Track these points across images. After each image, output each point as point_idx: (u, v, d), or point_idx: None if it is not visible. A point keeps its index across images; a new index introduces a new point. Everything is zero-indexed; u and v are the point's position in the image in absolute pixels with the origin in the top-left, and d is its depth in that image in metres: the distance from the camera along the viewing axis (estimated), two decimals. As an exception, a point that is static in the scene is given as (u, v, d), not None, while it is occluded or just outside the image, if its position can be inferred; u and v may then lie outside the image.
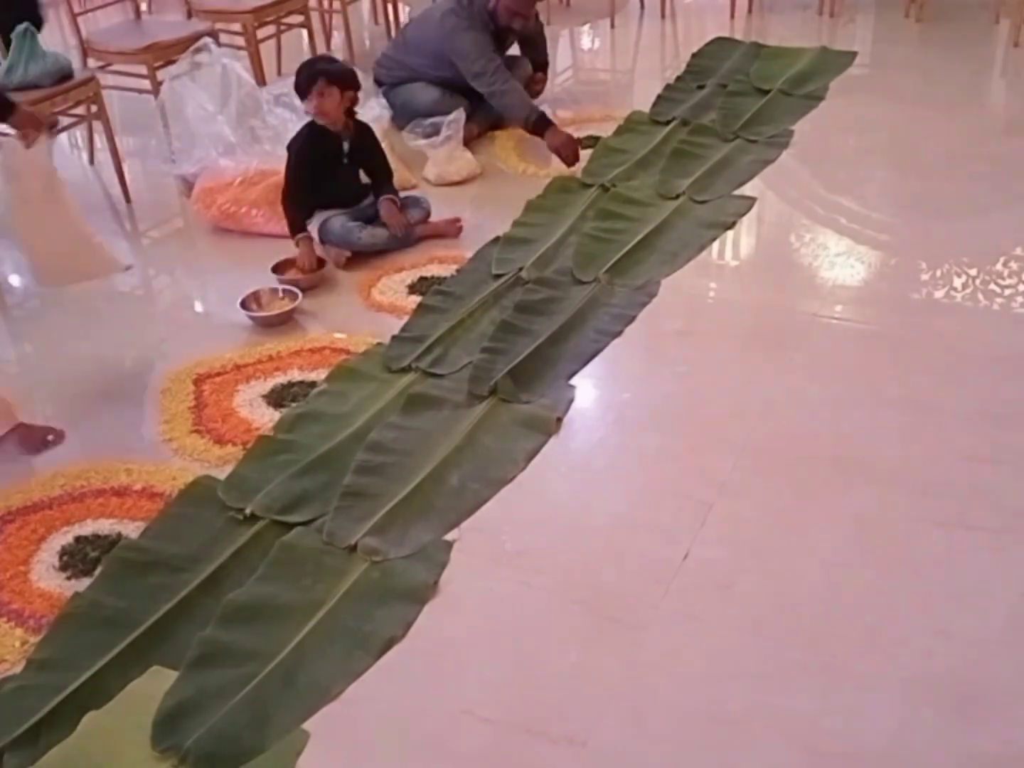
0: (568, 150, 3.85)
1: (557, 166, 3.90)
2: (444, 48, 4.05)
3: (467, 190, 3.86)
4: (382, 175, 3.47)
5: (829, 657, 1.87)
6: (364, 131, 3.43)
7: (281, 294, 3.12)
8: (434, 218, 3.51)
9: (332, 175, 3.35)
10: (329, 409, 2.60)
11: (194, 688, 1.85)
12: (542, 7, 5.64)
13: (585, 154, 3.97)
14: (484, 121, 4.25)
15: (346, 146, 3.35)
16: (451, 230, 3.49)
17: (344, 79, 3.30)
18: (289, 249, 3.29)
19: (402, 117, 4.17)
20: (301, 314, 3.09)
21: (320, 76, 3.24)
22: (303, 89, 3.27)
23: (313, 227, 3.36)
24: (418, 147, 3.91)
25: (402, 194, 3.53)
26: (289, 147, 3.35)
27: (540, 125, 3.92)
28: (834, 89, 4.45)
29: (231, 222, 3.55)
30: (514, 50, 4.43)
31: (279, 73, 4.94)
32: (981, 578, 2.02)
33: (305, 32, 4.88)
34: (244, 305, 3.05)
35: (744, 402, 2.56)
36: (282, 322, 3.04)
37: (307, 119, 3.35)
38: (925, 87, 4.61)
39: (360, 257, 3.35)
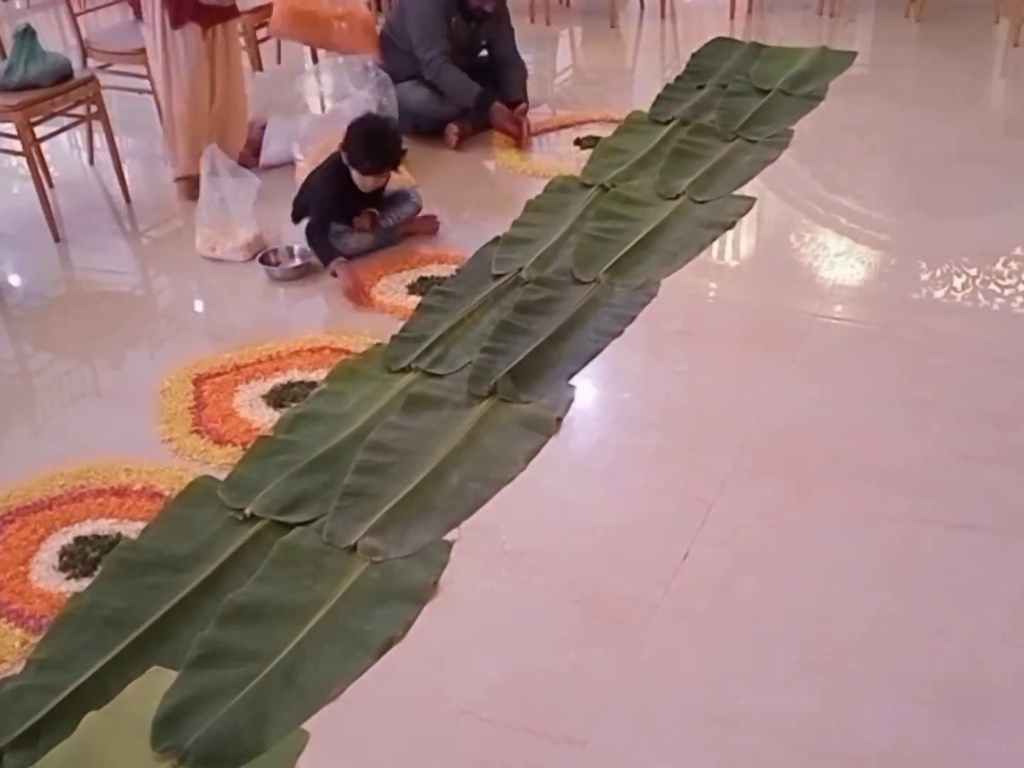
0: (513, 125, 4.07)
1: (555, 165, 3.90)
2: (406, 22, 4.11)
3: (467, 190, 3.87)
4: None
5: (829, 657, 1.87)
6: None
7: (295, 252, 3.35)
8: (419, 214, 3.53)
9: (355, 205, 3.36)
10: (329, 409, 2.60)
11: (194, 688, 1.85)
12: (541, 7, 5.65)
13: (584, 154, 3.98)
14: (477, 120, 4.25)
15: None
16: (429, 227, 3.51)
17: (395, 168, 3.40)
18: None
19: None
20: (300, 314, 3.10)
21: (381, 169, 3.30)
22: (356, 165, 3.26)
23: (301, 225, 3.37)
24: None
25: (392, 189, 3.54)
26: (313, 182, 3.40)
27: (482, 105, 4.09)
28: (834, 89, 4.46)
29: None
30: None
31: (279, 73, 4.95)
32: (981, 578, 2.02)
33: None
34: (263, 261, 3.30)
35: (744, 402, 2.56)
36: (299, 276, 3.28)
37: None
38: (925, 87, 4.61)
39: (357, 256, 3.35)
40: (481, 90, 4.09)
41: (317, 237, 3.28)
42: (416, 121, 4.13)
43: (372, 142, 3.27)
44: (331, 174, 3.34)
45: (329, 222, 3.31)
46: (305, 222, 3.36)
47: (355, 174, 3.28)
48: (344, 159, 3.28)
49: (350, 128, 3.30)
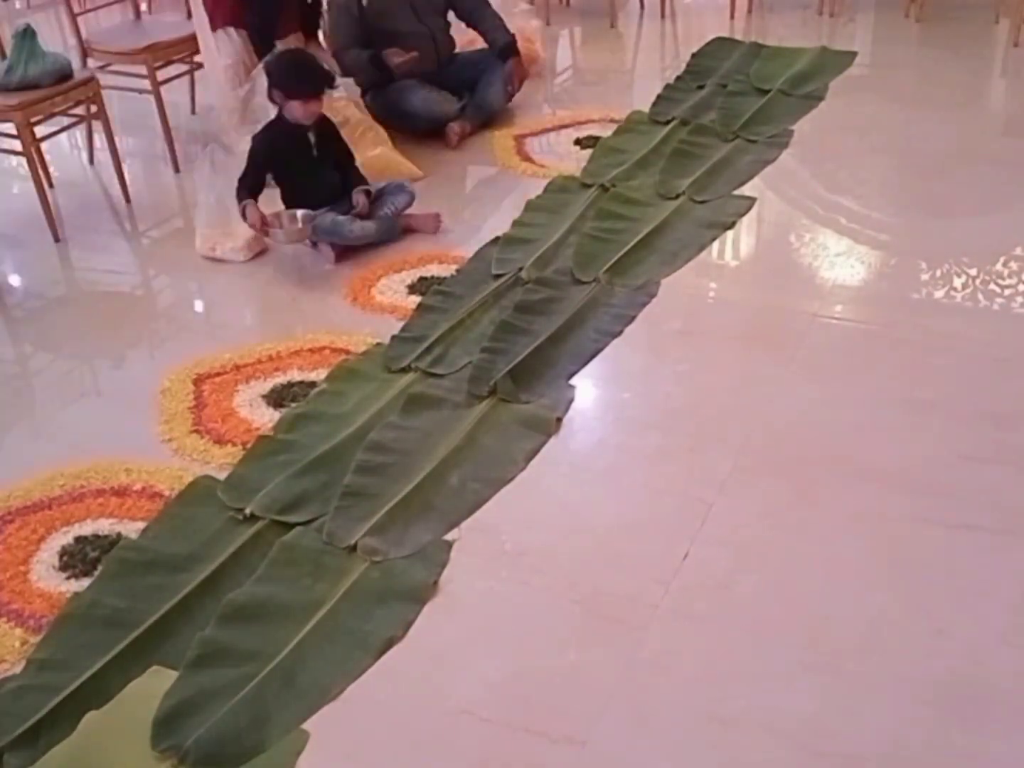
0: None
1: (555, 165, 3.90)
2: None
3: (467, 190, 3.86)
4: (349, 164, 3.51)
5: (829, 657, 1.87)
6: (324, 120, 3.45)
7: (298, 216, 3.36)
8: (418, 211, 3.53)
9: (306, 170, 3.39)
10: (329, 409, 2.60)
11: (194, 688, 1.85)
12: (541, 7, 5.65)
13: (584, 154, 3.98)
14: (476, 119, 4.25)
15: (312, 138, 3.40)
16: (430, 225, 3.52)
17: (328, 86, 3.39)
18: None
19: (392, 119, 4.10)
20: (300, 314, 3.10)
21: (314, 91, 3.29)
22: (290, 94, 3.28)
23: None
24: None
25: (385, 181, 3.56)
26: (254, 138, 3.41)
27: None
28: (834, 89, 4.45)
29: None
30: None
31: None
32: (981, 578, 2.02)
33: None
34: (263, 230, 3.34)
35: (744, 402, 2.56)
36: (301, 238, 3.38)
37: None
38: (925, 87, 4.61)
39: (357, 256, 3.35)
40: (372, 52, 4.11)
41: (239, 182, 3.32)
42: (416, 121, 4.12)
43: (298, 67, 3.31)
44: (267, 135, 3.37)
45: (253, 173, 3.33)
46: (306, 220, 3.38)
47: (293, 108, 3.31)
48: (276, 99, 3.33)
49: (270, 66, 3.37)
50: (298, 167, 3.37)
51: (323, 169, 3.43)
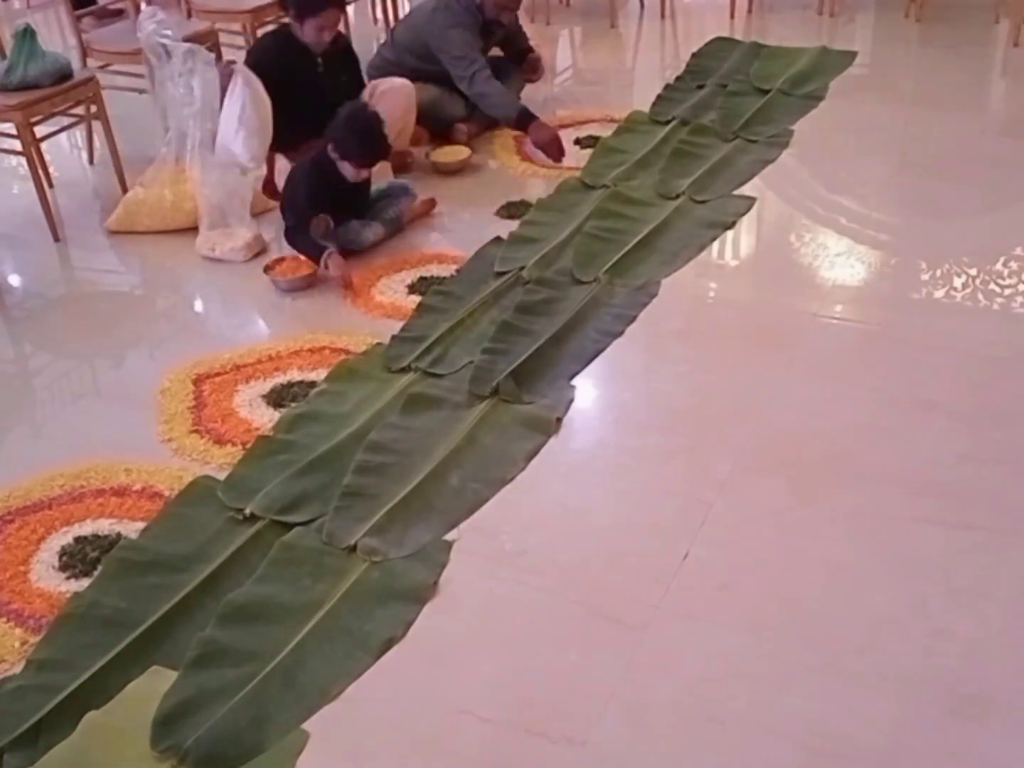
0: (553, 147, 3.90)
1: (555, 165, 3.90)
2: (431, 45, 4.04)
3: (468, 190, 3.86)
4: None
5: (829, 657, 1.87)
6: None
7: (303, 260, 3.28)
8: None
9: (340, 199, 3.32)
10: (329, 409, 2.60)
11: (194, 688, 1.85)
12: (541, 7, 5.66)
13: (585, 154, 3.98)
14: (483, 119, 4.25)
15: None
16: (427, 209, 3.59)
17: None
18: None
19: None
20: (300, 314, 3.10)
21: (381, 159, 3.34)
22: (361, 161, 3.26)
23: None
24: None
25: (387, 182, 3.59)
26: (293, 183, 3.34)
27: (523, 121, 3.94)
28: (834, 89, 4.45)
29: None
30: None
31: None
32: (981, 578, 2.02)
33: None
34: (268, 270, 3.24)
35: (744, 402, 2.56)
36: (307, 286, 3.20)
37: None
38: (925, 87, 4.61)
39: (359, 255, 3.35)
40: (524, 107, 3.99)
41: (299, 238, 3.26)
42: (423, 120, 4.12)
43: (366, 136, 3.25)
44: (310, 170, 3.31)
45: (308, 222, 3.25)
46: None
47: (345, 165, 3.27)
48: (331, 151, 3.27)
49: (342, 121, 3.27)
50: (331, 198, 3.27)
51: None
